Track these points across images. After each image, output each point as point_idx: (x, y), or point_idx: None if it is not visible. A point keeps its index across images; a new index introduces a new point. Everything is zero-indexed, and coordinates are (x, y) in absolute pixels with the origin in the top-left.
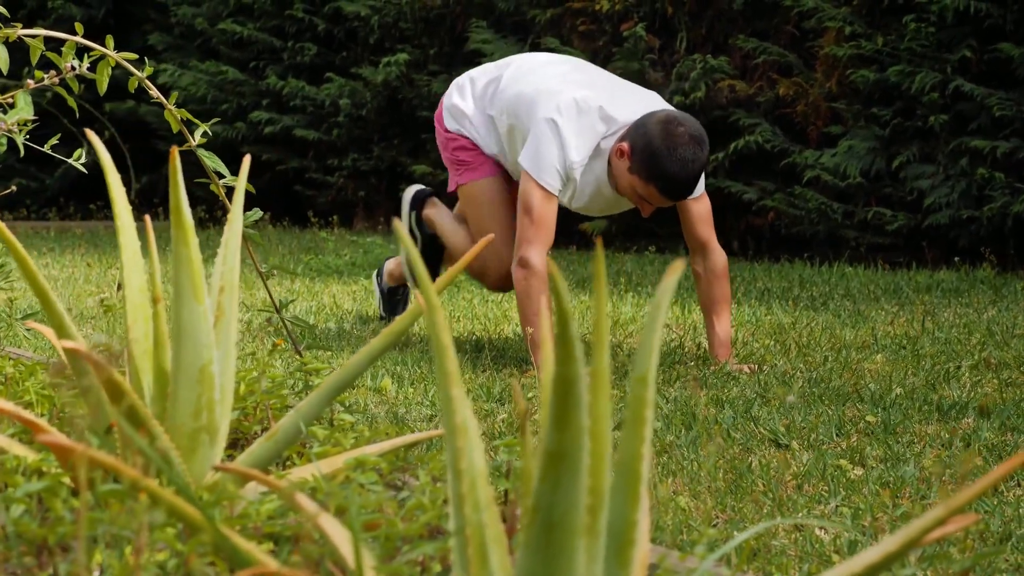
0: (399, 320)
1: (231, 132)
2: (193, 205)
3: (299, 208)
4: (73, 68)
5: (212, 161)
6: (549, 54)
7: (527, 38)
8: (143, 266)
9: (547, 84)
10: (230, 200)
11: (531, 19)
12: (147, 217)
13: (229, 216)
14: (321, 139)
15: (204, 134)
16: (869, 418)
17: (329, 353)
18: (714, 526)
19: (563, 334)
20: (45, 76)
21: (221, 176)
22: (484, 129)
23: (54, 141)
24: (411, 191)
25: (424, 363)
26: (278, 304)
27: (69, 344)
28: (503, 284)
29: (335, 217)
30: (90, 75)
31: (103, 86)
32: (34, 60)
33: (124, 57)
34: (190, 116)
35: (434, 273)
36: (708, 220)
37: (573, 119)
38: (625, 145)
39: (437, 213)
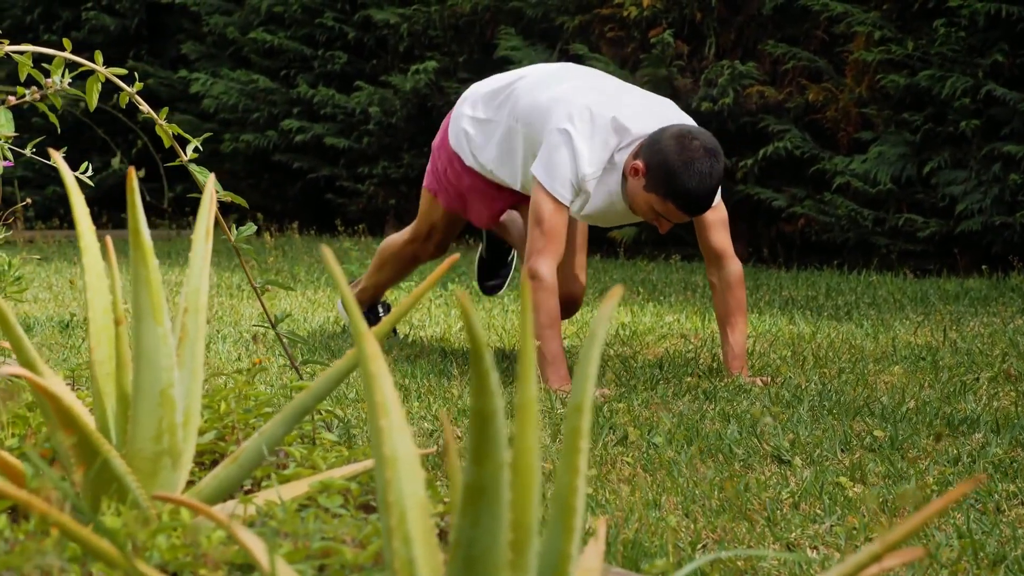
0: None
1: (262, 140)
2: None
3: (331, 216)
4: (53, 84)
5: (204, 176)
6: (563, 64)
7: (555, 45)
8: (107, 287)
9: (560, 94)
10: (223, 213)
11: (559, 26)
12: (108, 238)
13: (194, 236)
14: (352, 147)
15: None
16: (877, 433)
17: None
18: (703, 547)
19: (478, 368)
20: (27, 92)
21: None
22: (482, 138)
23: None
24: None
25: (433, 376)
26: (273, 319)
27: None
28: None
29: (361, 226)
30: (71, 91)
31: (93, 102)
32: (22, 76)
33: (113, 72)
34: (180, 131)
35: (499, 276)
36: (724, 229)
37: (586, 130)
38: (639, 163)
39: (509, 217)
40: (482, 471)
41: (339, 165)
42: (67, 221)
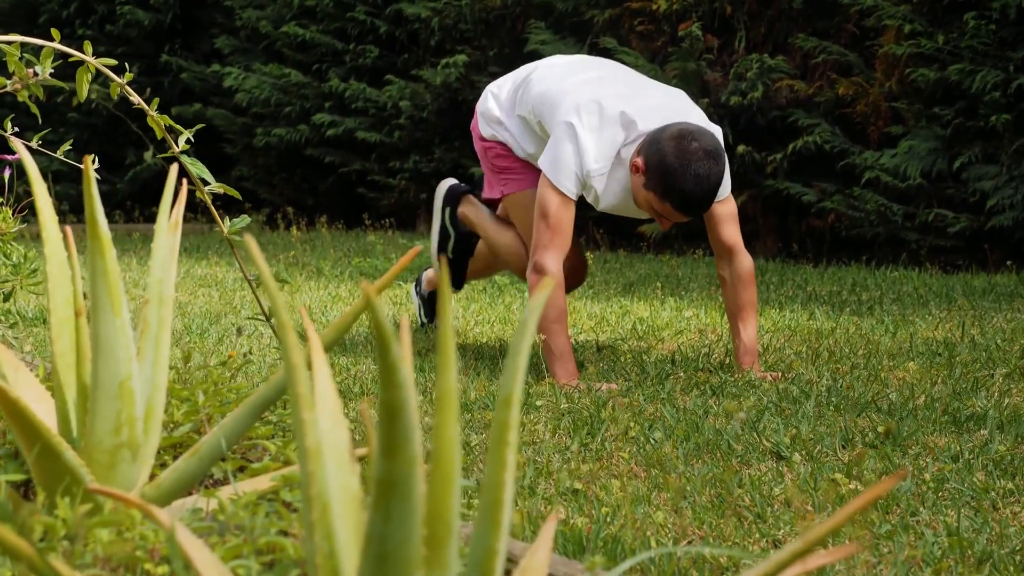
0: (328, 331)
1: (295, 135)
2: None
3: (364, 210)
4: (35, 74)
5: (196, 168)
6: (578, 56)
7: (585, 39)
8: (69, 277)
9: (570, 86)
10: (216, 206)
11: (589, 19)
12: (67, 228)
13: (156, 227)
14: (383, 141)
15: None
16: (881, 429)
17: (335, 361)
18: (689, 543)
19: (385, 359)
20: (8, 82)
21: (206, 183)
22: (518, 131)
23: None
24: (444, 186)
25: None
26: (267, 312)
27: None
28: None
29: (387, 220)
30: (51, 81)
31: (83, 93)
32: (11, 67)
33: (103, 63)
34: (172, 122)
35: (462, 270)
36: (734, 222)
37: (593, 123)
38: (640, 161)
39: (475, 212)
40: (393, 465)
41: (371, 159)
42: None
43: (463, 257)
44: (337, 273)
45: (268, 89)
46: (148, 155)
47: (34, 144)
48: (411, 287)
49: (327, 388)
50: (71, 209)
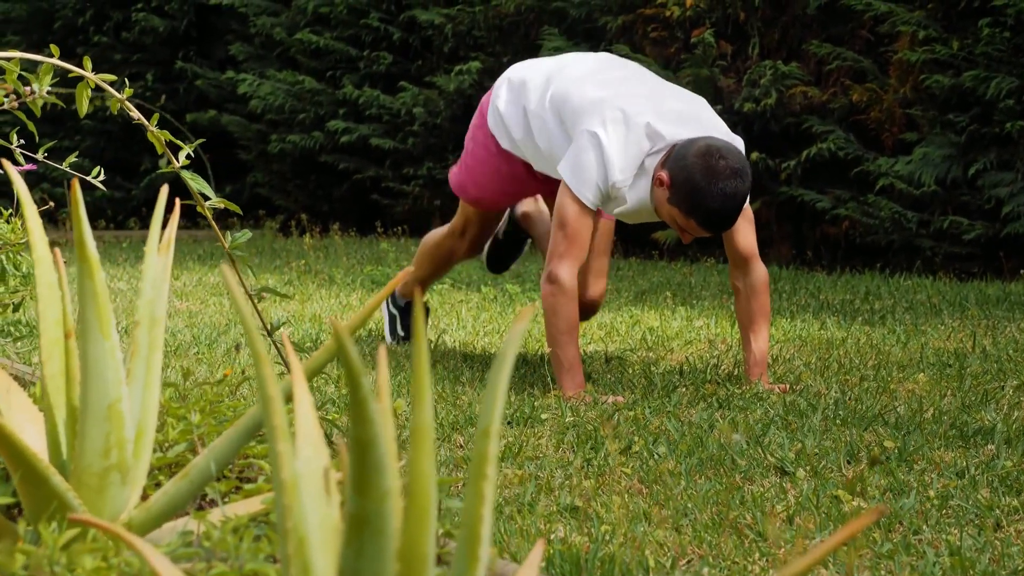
0: (316, 357)
1: (309, 141)
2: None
3: (379, 217)
4: (33, 92)
5: (197, 183)
6: (602, 56)
7: (599, 45)
8: (59, 298)
9: (597, 94)
10: (216, 221)
11: (603, 26)
12: (56, 250)
13: (147, 248)
14: (397, 148)
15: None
16: (887, 443)
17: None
18: (688, 562)
19: (355, 395)
20: (5, 99)
21: (207, 198)
22: (514, 121)
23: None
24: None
25: (448, 382)
26: (269, 327)
27: None
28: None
29: (400, 228)
30: (49, 98)
31: (83, 108)
32: (10, 81)
33: (102, 78)
34: (172, 137)
35: (508, 260)
36: (750, 228)
37: (620, 134)
38: (665, 175)
39: (537, 210)
40: (364, 500)
41: (385, 166)
42: (113, 222)
43: (513, 249)
44: (349, 281)
45: (282, 96)
46: (163, 163)
47: (39, 156)
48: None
49: (308, 418)
50: (90, 216)
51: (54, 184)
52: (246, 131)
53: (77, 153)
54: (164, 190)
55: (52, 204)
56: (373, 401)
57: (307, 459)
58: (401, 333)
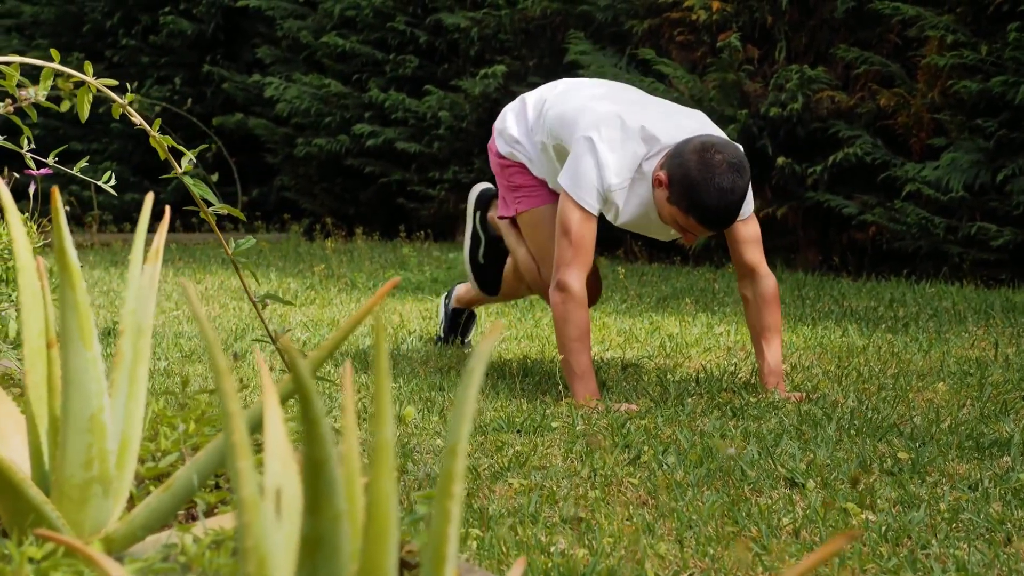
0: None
1: (335, 145)
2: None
3: (405, 221)
4: (28, 96)
5: (199, 189)
6: (594, 79)
7: (625, 49)
8: (42, 307)
9: (587, 103)
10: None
11: (629, 30)
12: (40, 259)
13: (131, 256)
14: (423, 152)
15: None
16: (901, 455)
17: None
18: (689, 575)
19: (307, 413)
20: (1, 104)
21: (209, 204)
22: (535, 154)
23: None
24: (477, 190)
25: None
26: (273, 334)
27: None
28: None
29: (422, 232)
30: (46, 104)
31: (84, 113)
32: (10, 87)
33: (103, 83)
34: (175, 143)
35: (496, 274)
36: (756, 243)
37: (614, 138)
38: (663, 174)
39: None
40: (317, 521)
41: (411, 170)
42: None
43: (496, 262)
44: (370, 286)
45: (308, 99)
46: (186, 163)
47: (50, 161)
48: (440, 299)
49: (278, 434)
50: (114, 219)
51: (83, 187)
52: (272, 134)
53: (87, 159)
54: (149, 198)
55: (66, 208)
56: (325, 420)
57: (274, 474)
58: (440, 335)
